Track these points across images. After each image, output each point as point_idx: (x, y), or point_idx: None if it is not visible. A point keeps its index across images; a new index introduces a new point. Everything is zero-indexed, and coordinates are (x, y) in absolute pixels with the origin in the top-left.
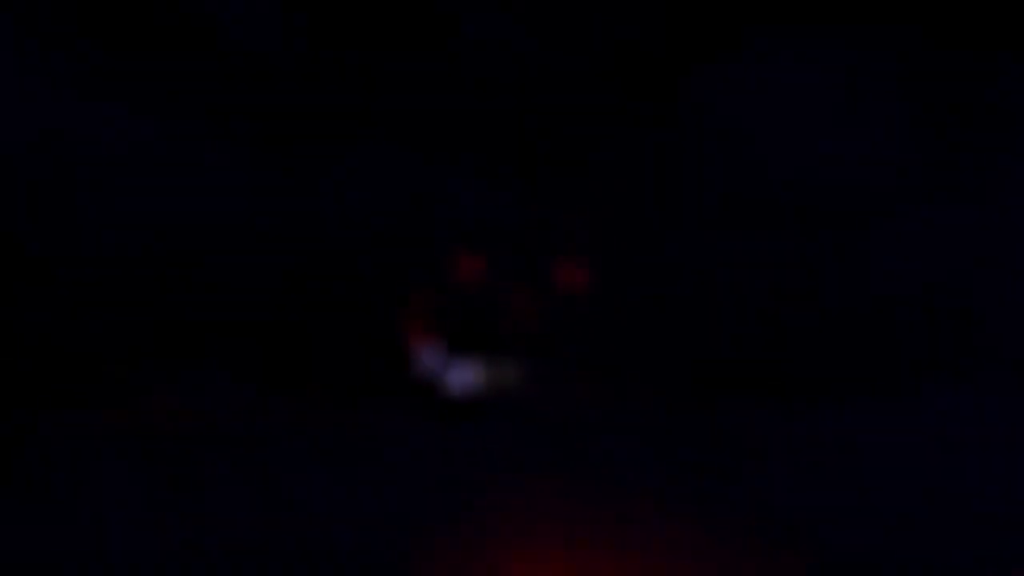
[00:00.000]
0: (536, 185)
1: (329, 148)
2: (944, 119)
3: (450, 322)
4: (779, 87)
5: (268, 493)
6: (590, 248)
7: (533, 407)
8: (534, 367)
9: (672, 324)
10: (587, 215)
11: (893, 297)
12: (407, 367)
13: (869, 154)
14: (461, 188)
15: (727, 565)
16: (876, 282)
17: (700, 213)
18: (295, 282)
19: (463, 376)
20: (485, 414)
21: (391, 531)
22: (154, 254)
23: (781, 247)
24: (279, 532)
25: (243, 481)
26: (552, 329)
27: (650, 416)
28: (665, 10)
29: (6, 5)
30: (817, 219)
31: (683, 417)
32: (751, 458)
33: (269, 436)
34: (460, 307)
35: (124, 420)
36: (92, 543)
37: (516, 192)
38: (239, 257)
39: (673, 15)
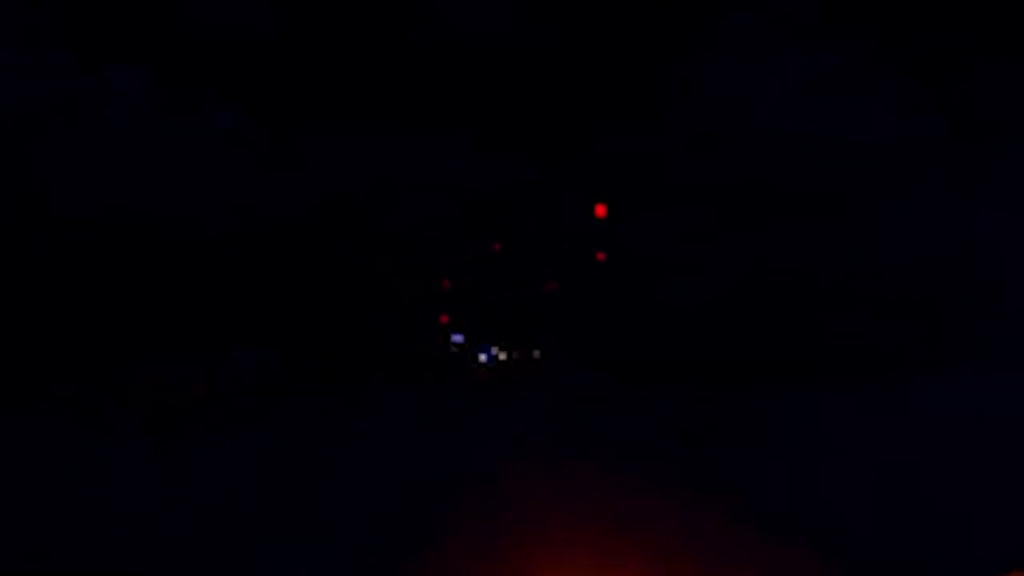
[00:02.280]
0: (539, 166)
1: (327, 122)
2: (941, 103)
3: (466, 301)
4: (769, 69)
5: (281, 464)
6: (591, 232)
7: (545, 386)
8: (544, 348)
9: (668, 310)
10: (585, 198)
11: (888, 282)
12: (424, 344)
13: (864, 137)
14: (464, 166)
15: (729, 550)
16: (871, 266)
17: (693, 198)
18: (300, 257)
19: (481, 354)
20: (500, 392)
21: (405, 498)
22: (146, 229)
23: (775, 231)
24: (293, 500)
25: (255, 447)
26: (569, 307)
27: (654, 399)
28: None
29: None
30: (810, 203)
31: (683, 401)
32: (748, 445)
33: (286, 411)
34: (476, 287)
35: (134, 394)
36: (99, 513)
37: (519, 173)
38: (241, 233)
39: None
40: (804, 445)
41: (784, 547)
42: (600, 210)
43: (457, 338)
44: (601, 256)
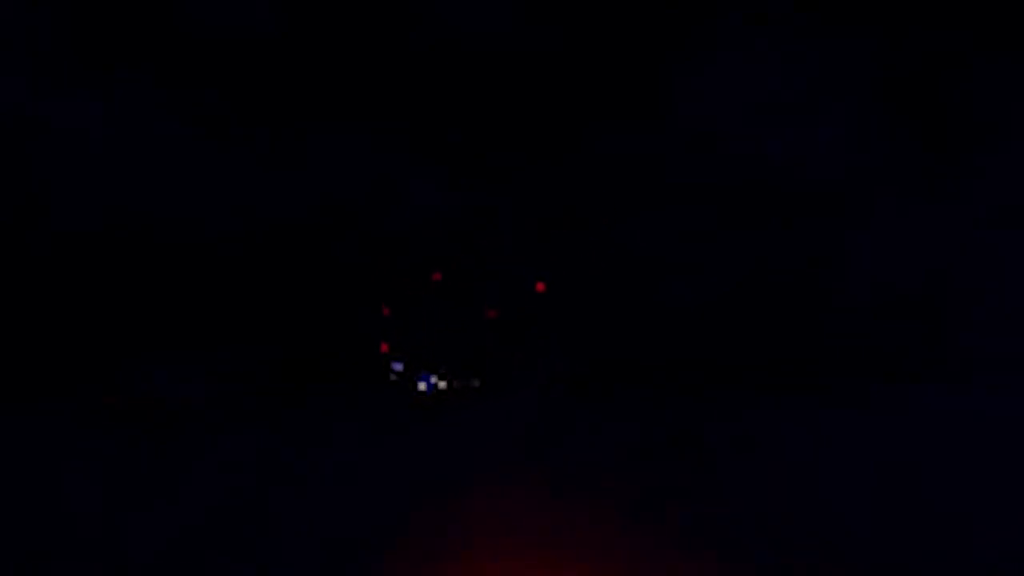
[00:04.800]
0: (505, 180)
1: (298, 132)
2: (919, 117)
3: (421, 321)
4: (751, 85)
5: (237, 476)
6: (562, 243)
7: (509, 402)
8: (509, 365)
9: (647, 321)
10: (559, 210)
11: (870, 294)
12: (378, 362)
13: (843, 151)
14: (431, 186)
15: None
16: (853, 280)
17: (674, 209)
18: (266, 268)
19: (421, 382)
20: (458, 411)
21: (363, 514)
22: (123, 239)
23: (757, 244)
24: (254, 510)
25: (223, 461)
26: (523, 327)
27: (621, 413)
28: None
29: None
30: (792, 216)
31: (656, 415)
32: (723, 458)
33: (243, 422)
34: (430, 306)
35: (109, 405)
36: (79, 524)
37: (487, 188)
38: (209, 243)
39: (644, 10)
40: (799, 452)
41: (782, 552)
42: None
43: (397, 366)
44: (541, 287)
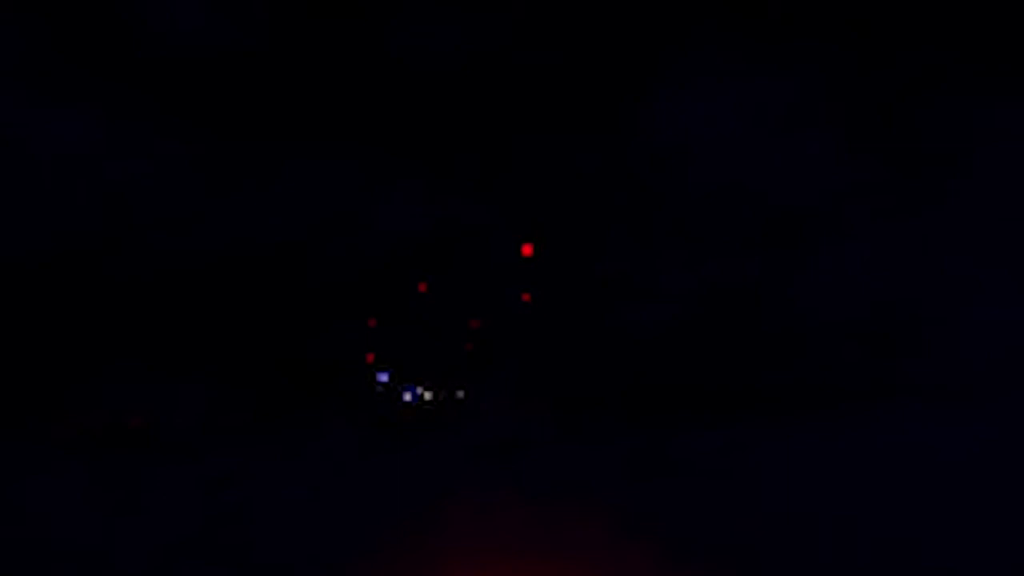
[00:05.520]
0: (483, 198)
1: (273, 152)
2: (888, 138)
3: (399, 337)
4: (719, 107)
5: (217, 496)
6: (534, 263)
7: (481, 422)
8: (481, 382)
9: (613, 343)
10: (531, 230)
11: (838, 316)
12: (356, 380)
13: (811, 172)
14: (409, 201)
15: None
16: (821, 300)
17: (645, 232)
18: (239, 289)
19: (412, 390)
20: (434, 428)
21: (337, 536)
22: (91, 257)
23: (725, 266)
24: (228, 532)
25: (194, 484)
26: (497, 345)
27: (592, 434)
28: (609, 24)
29: None
30: (760, 237)
31: (624, 436)
32: (688, 479)
33: (220, 442)
34: (408, 323)
35: (78, 428)
36: (48, 543)
37: (461, 205)
38: (181, 260)
39: (614, 30)
40: (744, 478)
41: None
42: (527, 249)
43: (382, 377)
44: (527, 297)
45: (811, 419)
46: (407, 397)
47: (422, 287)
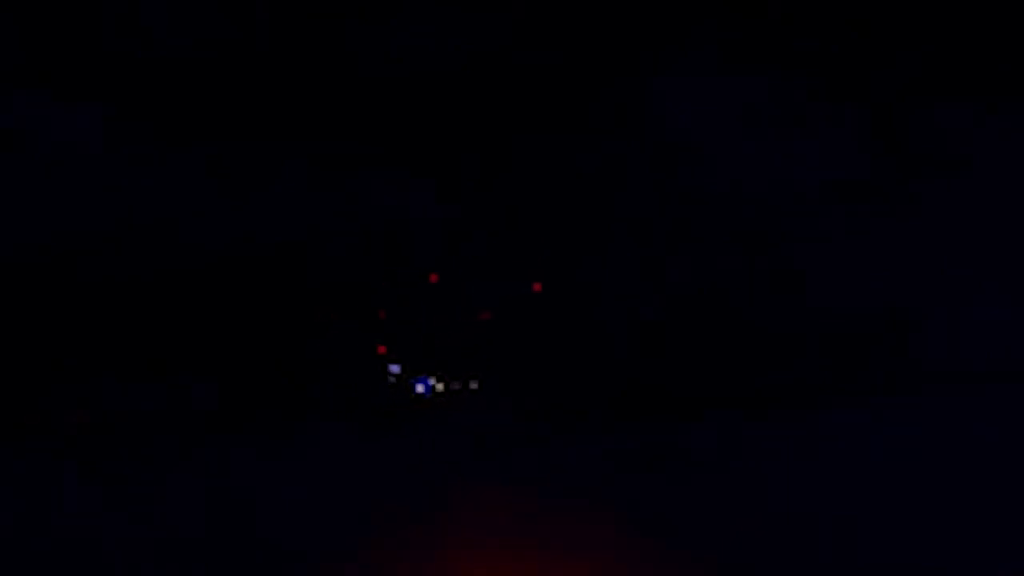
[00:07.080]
0: (475, 195)
1: (273, 151)
2: (888, 138)
3: (401, 332)
4: (719, 108)
5: (217, 492)
6: (531, 262)
7: (481, 415)
8: (481, 377)
9: (613, 341)
10: (526, 230)
11: (838, 315)
12: (358, 373)
13: (811, 172)
14: (411, 201)
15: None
16: (820, 300)
17: (645, 232)
18: (238, 285)
19: (418, 385)
20: (435, 422)
21: (340, 529)
22: (81, 256)
23: (725, 265)
24: (227, 528)
25: (194, 483)
26: (494, 341)
27: (591, 430)
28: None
29: None
30: (760, 236)
31: (624, 433)
32: (682, 477)
33: (220, 442)
34: (410, 317)
35: (77, 427)
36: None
37: (456, 203)
38: (180, 260)
39: (610, 23)
40: (739, 477)
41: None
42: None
43: (394, 368)
44: (538, 287)
45: (811, 419)
46: (419, 389)
47: (433, 278)
